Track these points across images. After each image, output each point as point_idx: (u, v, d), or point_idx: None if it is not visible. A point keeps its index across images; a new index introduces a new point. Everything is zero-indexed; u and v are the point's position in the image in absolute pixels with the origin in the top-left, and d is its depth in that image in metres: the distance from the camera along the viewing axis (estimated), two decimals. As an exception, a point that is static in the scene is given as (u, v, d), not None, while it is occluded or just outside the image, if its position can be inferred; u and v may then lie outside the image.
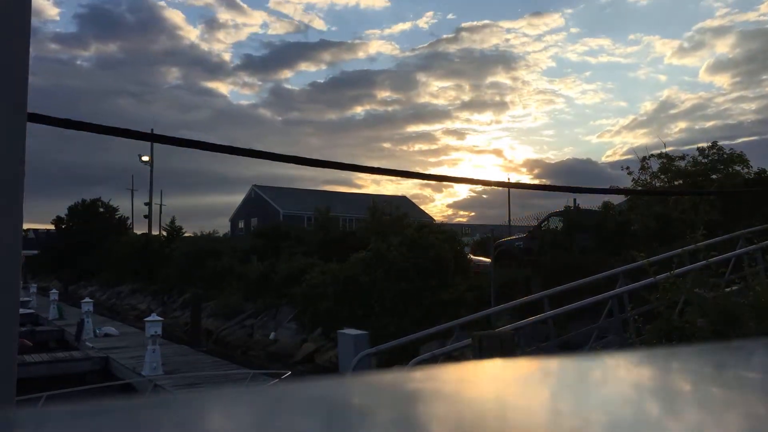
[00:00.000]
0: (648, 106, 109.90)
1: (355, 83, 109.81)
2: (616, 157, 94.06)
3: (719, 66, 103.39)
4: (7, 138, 1.53)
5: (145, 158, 51.01)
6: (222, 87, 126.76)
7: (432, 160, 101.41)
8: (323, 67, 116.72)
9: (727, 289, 8.53)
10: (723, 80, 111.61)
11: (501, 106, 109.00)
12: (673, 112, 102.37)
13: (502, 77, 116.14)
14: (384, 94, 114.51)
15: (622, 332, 10.11)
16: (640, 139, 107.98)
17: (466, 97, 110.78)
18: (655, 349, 0.78)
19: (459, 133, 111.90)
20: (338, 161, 3.66)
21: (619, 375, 0.72)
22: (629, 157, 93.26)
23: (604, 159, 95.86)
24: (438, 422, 0.51)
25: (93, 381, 15.05)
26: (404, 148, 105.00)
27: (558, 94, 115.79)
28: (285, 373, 12.22)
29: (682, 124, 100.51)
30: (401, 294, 18.73)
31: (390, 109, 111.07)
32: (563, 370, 0.73)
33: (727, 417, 0.56)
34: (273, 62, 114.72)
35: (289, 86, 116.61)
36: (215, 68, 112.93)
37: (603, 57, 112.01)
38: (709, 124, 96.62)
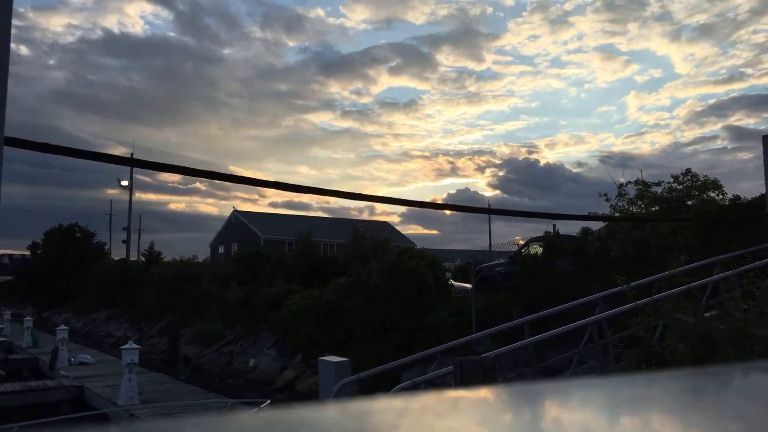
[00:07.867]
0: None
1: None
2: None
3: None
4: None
5: (125, 183, 50.60)
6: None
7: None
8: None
9: (707, 314, 8.60)
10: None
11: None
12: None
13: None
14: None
15: (602, 357, 10.13)
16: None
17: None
18: (633, 375, 0.79)
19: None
20: (321, 187, 3.67)
21: (598, 401, 0.73)
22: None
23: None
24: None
25: (67, 411, 14.69)
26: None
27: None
28: (264, 402, 12.03)
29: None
30: (382, 320, 18.62)
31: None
32: (543, 396, 0.74)
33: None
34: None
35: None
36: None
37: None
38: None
